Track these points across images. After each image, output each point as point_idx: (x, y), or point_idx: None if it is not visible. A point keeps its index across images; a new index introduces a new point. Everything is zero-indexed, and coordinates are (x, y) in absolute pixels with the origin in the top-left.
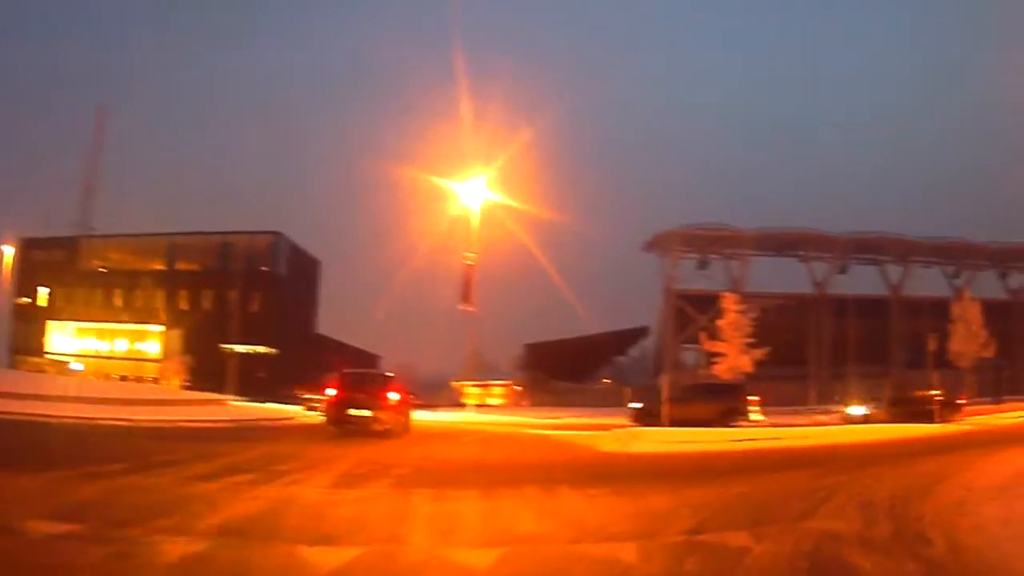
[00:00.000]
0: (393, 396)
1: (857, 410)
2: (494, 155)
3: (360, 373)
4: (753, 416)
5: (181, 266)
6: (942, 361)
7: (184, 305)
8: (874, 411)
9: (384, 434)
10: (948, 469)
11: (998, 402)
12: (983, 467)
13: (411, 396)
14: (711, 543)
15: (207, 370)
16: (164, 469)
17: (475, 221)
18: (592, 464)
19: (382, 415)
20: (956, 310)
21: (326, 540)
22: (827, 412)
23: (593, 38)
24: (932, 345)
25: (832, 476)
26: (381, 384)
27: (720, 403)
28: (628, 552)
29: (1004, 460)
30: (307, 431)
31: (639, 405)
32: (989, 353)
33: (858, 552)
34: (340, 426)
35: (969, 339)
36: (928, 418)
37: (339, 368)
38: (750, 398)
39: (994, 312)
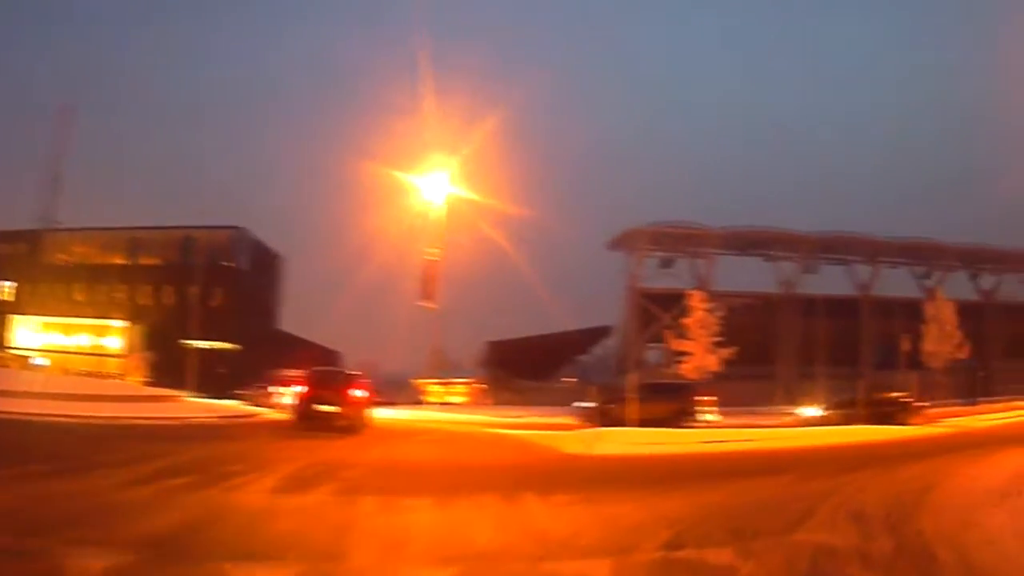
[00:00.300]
0: (357, 393)
1: (811, 411)
2: (459, 149)
3: (326, 371)
4: (707, 416)
5: (143, 261)
6: (915, 362)
7: (146, 300)
8: (829, 413)
9: (343, 431)
10: (933, 475)
11: (972, 404)
12: (970, 471)
13: (373, 394)
14: (692, 560)
15: (168, 366)
16: (101, 470)
17: (438, 216)
18: (557, 468)
19: (346, 411)
20: (929, 310)
21: (259, 555)
22: (791, 413)
23: (580, 35)
24: (905, 346)
25: (812, 482)
26: (346, 382)
27: (671, 403)
28: (600, 571)
29: (993, 464)
30: (264, 427)
31: (589, 405)
32: (963, 354)
33: (860, 572)
34: (307, 421)
35: (943, 340)
36: (889, 420)
37: (297, 366)
38: (703, 398)
39: (967, 313)
